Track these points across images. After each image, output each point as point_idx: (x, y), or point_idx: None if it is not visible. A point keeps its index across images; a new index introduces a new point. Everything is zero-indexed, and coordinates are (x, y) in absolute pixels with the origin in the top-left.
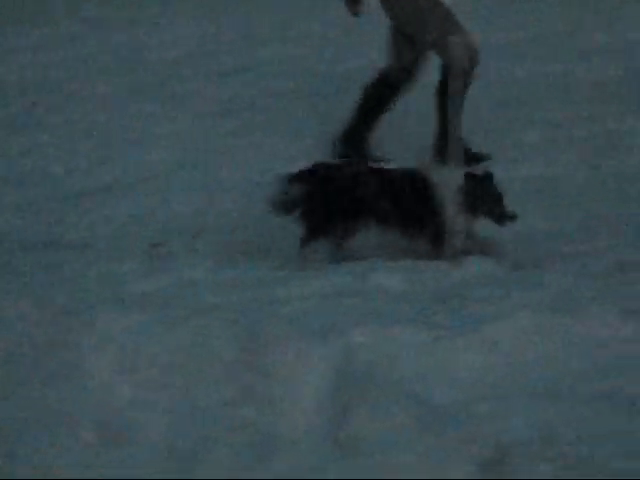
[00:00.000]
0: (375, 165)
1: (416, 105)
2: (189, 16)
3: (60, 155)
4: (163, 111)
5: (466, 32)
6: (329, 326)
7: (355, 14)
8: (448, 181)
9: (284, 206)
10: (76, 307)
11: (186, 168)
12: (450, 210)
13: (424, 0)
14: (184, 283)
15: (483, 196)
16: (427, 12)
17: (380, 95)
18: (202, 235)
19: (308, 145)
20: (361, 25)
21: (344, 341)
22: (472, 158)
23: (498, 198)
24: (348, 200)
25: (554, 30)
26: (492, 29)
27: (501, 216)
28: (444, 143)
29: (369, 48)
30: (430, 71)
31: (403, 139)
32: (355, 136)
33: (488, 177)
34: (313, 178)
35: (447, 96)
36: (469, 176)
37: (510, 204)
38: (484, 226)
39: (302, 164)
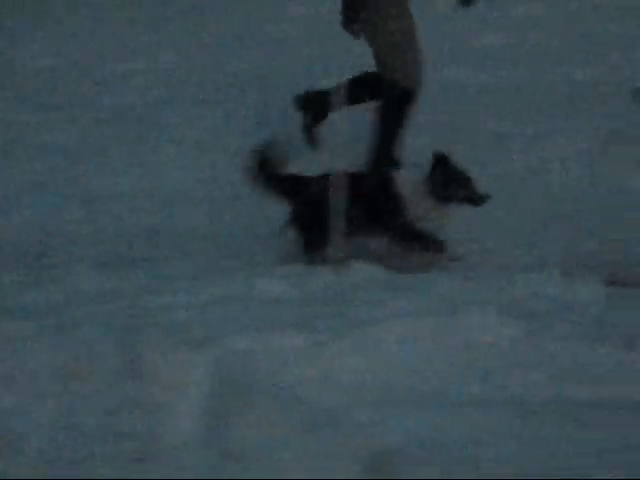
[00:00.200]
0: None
1: None
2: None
3: None
4: (41, 120)
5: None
6: (211, 333)
7: (357, 37)
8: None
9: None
10: None
11: (66, 178)
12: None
13: (393, 22)
14: (67, 293)
15: (452, 181)
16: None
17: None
18: (84, 245)
19: (185, 152)
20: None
21: (226, 348)
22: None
23: (467, 180)
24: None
25: None
26: None
27: (473, 197)
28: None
29: (248, 53)
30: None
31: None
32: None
33: (445, 159)
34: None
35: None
36: (436, 162)
37: None
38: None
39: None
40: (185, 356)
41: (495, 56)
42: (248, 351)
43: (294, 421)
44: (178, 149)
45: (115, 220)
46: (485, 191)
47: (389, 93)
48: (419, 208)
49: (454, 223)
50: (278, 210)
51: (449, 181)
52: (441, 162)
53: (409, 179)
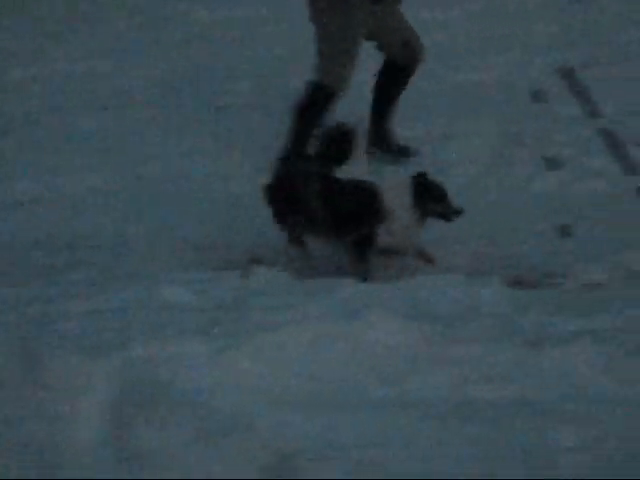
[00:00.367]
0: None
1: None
2: None
3: None
4: None
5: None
6: (112, 341)
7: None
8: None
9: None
10: None
11: None
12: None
13: (336, 28)
14: None
15: (430, 196)
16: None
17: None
18: None
19: (89, 161)
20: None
21: (126, 355)
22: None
23: (443, 195)
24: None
25: None
26: None
27: (448, 212)
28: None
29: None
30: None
31: None
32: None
33: (423, 176)
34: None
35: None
36: (416, 178)
37: None
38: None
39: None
40: (85, 364)
41: None
42: (148, 358)
43: (194, 427)
44: (80, 156)
45: (13, 228)
46: (459, 206)
47: (309, 89)
48: (398, 222)
49: None
50: (181, 217)
51: (427, 197)
52: (420, 177)
53: (391, 192)
